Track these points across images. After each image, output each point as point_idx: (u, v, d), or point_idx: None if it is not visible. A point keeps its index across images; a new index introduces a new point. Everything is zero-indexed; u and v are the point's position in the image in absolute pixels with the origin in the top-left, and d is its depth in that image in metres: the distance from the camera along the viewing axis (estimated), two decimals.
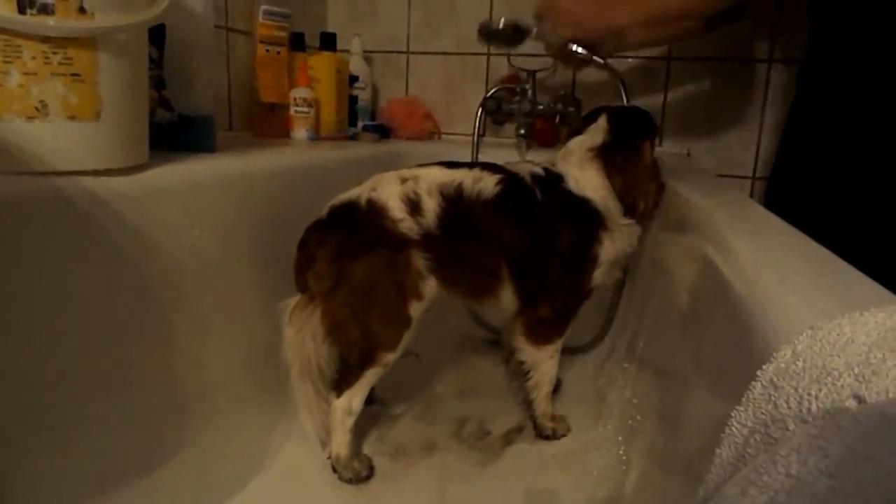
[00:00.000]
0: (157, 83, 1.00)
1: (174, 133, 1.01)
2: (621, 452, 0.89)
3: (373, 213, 0.85)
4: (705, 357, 0.66)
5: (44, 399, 0.68)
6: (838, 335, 0.32)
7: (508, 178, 0.92)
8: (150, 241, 0.81)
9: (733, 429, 0.35)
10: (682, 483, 0.62)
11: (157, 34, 0.97)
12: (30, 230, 0.66)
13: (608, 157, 0.96)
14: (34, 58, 0.67)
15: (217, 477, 0.85)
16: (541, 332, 0.99)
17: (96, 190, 0.73)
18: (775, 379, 0.33)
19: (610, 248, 0.95)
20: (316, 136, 1.42)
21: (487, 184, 0.90)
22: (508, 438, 1.01)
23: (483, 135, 1.47)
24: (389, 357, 0.88)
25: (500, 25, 1.31)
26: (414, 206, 0.86)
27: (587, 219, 0.94)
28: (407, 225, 0.85)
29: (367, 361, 0.88)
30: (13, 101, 0.67)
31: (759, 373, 0.35)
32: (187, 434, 0.86)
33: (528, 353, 1.00)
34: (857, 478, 0.21)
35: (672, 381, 0.79)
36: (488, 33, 1.34)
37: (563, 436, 1.01)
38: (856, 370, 0.29)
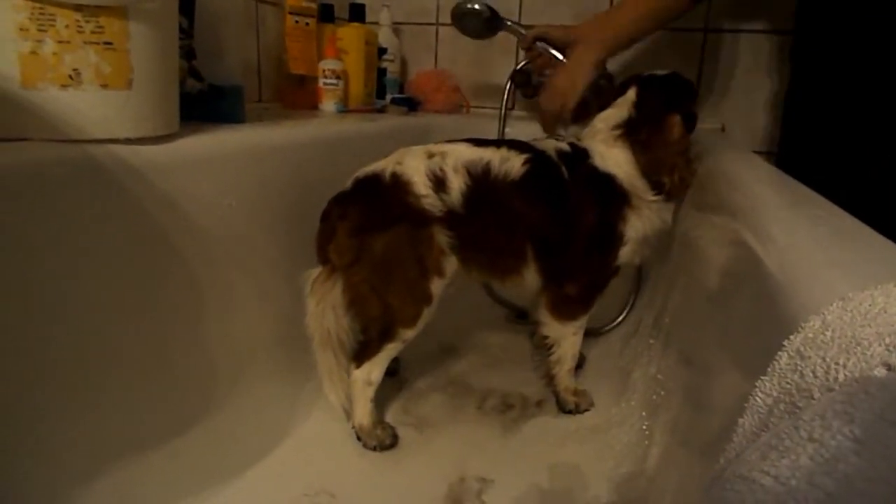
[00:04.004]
0: (188, 53, 1.01)
1: (204, 103, 1.01)
2: (644, 428, 0.88)
3: (396, 187, 0.85)
4: (732, 334, 0.65)
5: (73, 364, 0.70)
6: (870, 305, 0.31)
7: (535, 157, 0.90)
8: (180, 210, 0.82)
9: (757, 398, 0.34)
10: (705, 459, 0.61)
11: (187, 4, 0.98)
12: (64, 196, 0.67)
13: (633, 133, 0.94)
14: (67, 26, 0.68)
15: (243, 443, 0.87)
16: (566, 308, 0.98)
17: (128, 158, 0.74)
18: (802, 349, 0.32)
19: (637, 225, 0.94)
20: (344, 109, 1.42)
21: (514, 163, 0.88)
22: (530, 412, 1.01)
23: (512, 108, 1.45)
24: (409, 333, 0.89)
25: (476, 6, 1.22)
26: (439, 183, 0.85)
27: (612, 196, 0.92)
28: (430, 201, 0.85)
29: (386, 336, 0.88)
30: (47, 69, 0.68)
31: (785, 343, 0.35)
32: (214, 400, 0.88)
33: (552, 327, 0.99)
34: (884, 443, 0.21)
35: (697, 359, 0.78)
36: (461, 14, 1.26)
37: (586, 410, 1.01)
38: (887, 340, 0.28)
